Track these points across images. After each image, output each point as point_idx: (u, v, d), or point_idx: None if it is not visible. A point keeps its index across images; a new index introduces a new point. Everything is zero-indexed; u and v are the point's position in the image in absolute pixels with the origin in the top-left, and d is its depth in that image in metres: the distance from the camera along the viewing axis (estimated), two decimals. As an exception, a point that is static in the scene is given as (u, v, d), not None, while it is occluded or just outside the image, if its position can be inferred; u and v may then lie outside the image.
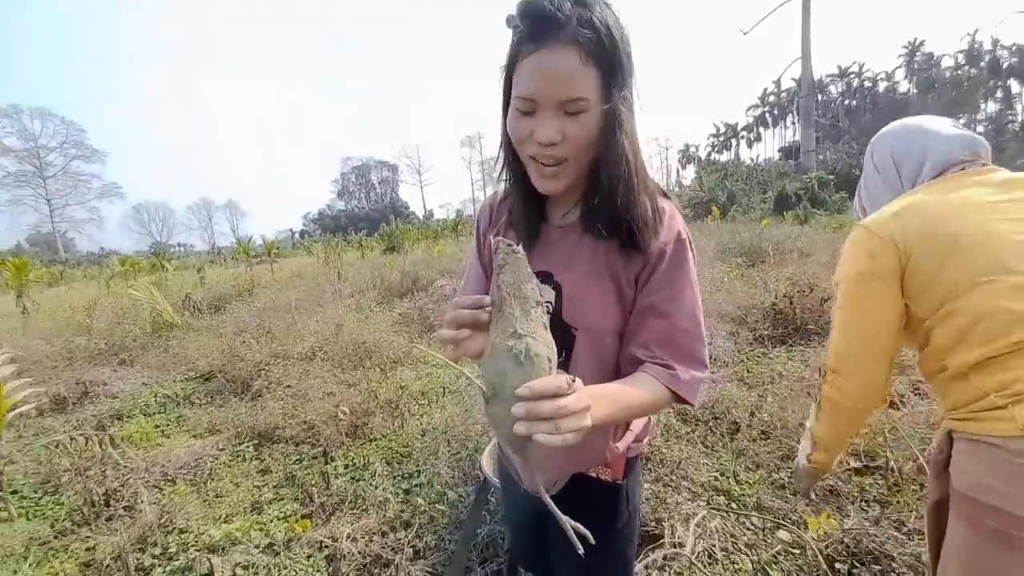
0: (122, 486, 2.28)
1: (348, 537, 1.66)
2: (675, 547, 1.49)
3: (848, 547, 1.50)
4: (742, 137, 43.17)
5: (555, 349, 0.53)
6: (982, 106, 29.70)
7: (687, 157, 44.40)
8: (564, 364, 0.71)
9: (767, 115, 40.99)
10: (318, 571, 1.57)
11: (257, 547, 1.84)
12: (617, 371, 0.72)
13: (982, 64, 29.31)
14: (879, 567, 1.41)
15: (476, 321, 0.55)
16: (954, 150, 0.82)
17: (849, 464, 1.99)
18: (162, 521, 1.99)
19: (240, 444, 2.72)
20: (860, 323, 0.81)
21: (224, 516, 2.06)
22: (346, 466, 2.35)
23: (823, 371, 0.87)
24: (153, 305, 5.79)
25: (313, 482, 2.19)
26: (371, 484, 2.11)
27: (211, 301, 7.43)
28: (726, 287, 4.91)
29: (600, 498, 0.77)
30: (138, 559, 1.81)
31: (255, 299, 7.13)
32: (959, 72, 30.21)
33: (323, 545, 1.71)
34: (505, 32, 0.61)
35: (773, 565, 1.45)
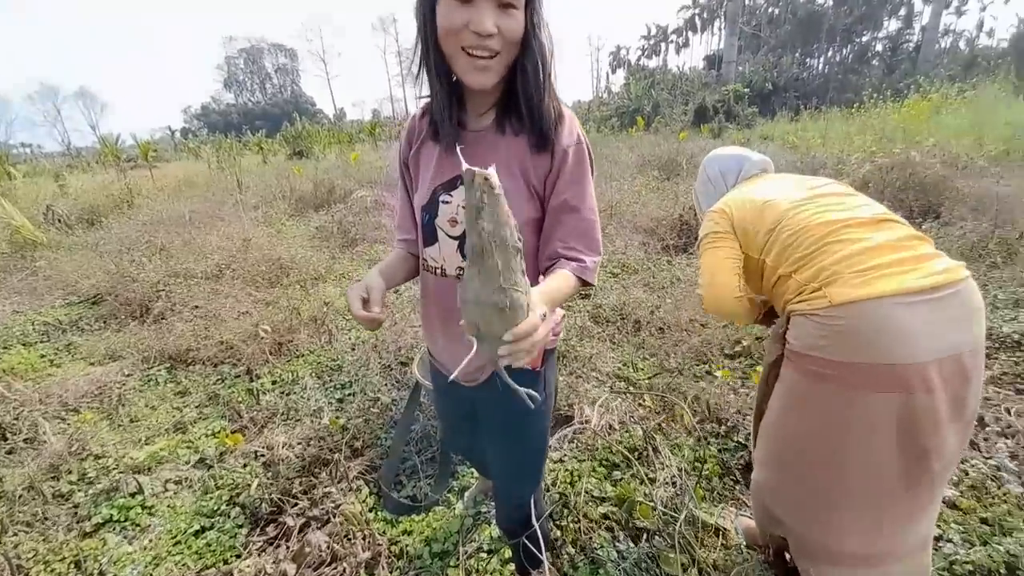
0: (16, 419, 2.11)
1: (284, 445, 1.74)
2: (583, 423, 1.77)
3: (710, 409, 1.89)
4: (671, 41, 42.41)
5: (528, 287, 0.58)
6: (885, 23, 31.46)
7: (617, 60, 42.99)
8: None
9: (696, 18, 40.18)
10: (256, 476, 1.64)
11: (187, 463, 1.86)
12: (533, 260, 0.84)
13: (890, -21, 30.48)
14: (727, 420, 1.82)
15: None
16: (755, 166, 1.32)
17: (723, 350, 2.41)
18: (73, 449, 1.91)
19: (149, 368, 2.58)
20: (713, 259, 1.17)
21: (144, 439, 2.02)
22: (273, 382, 2.36)
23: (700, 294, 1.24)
24: (6, 220, 4.85)
25: (240, 399, 2.19)
26: (302, 397, 2.16)
27: (80, 214, 6.37)
28: (642, 199, 5.19)
29: (523, 384, 0.90)
30: (53, 487, 1.76)
31: (137, 212, 6.22)
32: (869, -14, 31.25)
33: (258, 455, 1.78)
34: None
35: (658, 431, 1.79)
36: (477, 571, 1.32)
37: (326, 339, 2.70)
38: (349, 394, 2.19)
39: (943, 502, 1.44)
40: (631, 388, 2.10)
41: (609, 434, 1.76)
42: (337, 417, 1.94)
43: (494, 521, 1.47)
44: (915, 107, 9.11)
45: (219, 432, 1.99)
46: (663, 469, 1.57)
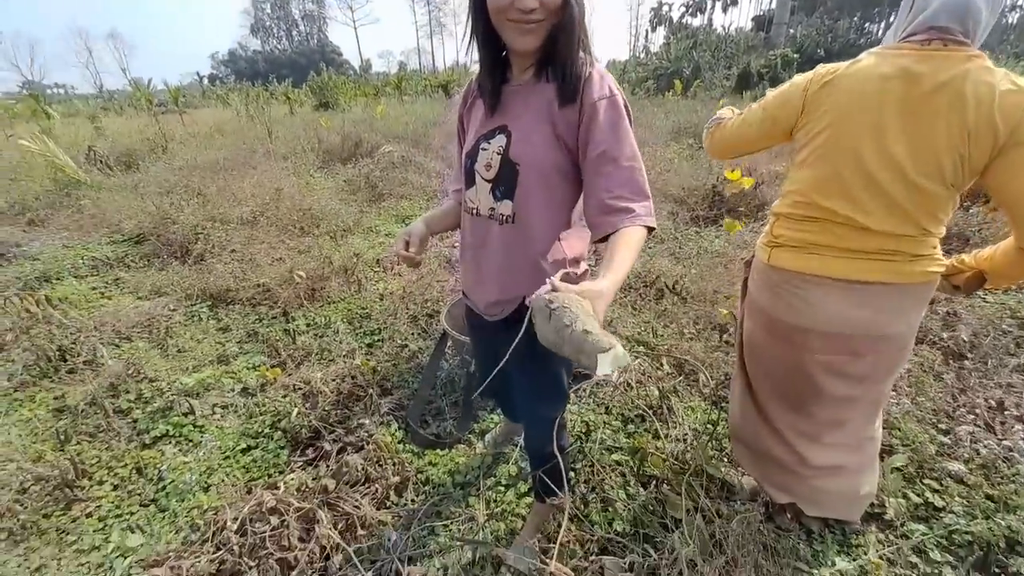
0: (74, 343, 2.30)
1: (320, 380, 1.87)
2: (601, 379, 1.84)
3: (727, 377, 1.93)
4: (717, -1, 39.61)
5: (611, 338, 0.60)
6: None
7: (659, 18, 40.52)
8: (510, 193, 0.89)
9: (746, -27, 37.27)
10: (295, 406, 1.78)
11: (232, 391, 2.02)
12: (560, 203, 0.92)
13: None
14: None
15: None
16: (940, 14, 0.86)
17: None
18: (130, 372, 2.08)
19: (193, 305, 2.74)
20: (740, 135, 1.17)
21: (192, 368, 2.19)
22: (308, 324, 2.50)
23: (721, 122, 1.23)
24: (51, 159, 5.04)
25: (277, 338, 2.33)
26: (335, 340, 2.29)
27: (118, 157, 6.56)
28: (675, 168, 5.06)
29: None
30: (113, 403, 1.94)
31: (171, 157, 6.37)
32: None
33: (296, 387, 1.92)
34: None
35: (673, 392, 1.86)
36: (495, 502, 1.44)
37: (355, 288, 2.81)
38: (378, 340, 2.31)
39: (950, 476, 1.49)
40: (650, 352, 2.16)
41: (626, 391, 1.83)
42: (368, 359, 2.06)
43: (512, 459, 1.58)
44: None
45: (259, 366, 2.15)
46: (676, 428, 1.64)
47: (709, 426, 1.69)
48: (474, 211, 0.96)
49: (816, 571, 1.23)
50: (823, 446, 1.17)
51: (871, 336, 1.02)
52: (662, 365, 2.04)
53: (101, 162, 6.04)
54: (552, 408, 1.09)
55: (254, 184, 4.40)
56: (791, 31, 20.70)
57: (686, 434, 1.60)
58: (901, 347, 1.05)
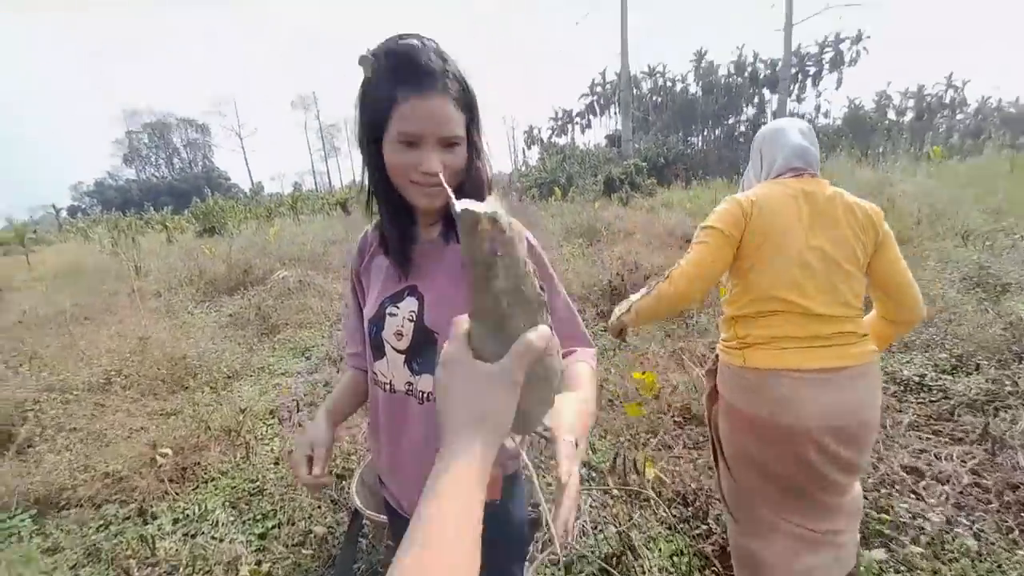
0: None
1: (189, 615, 1.38)
2: (548, 536, 1.61)
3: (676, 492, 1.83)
4: (576, 123, 47.62)
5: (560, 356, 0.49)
6: (745, 109, 38.03)
7: (531, 138, 47.28)
8: (429, 366, 0.78)
9: (595, 104, 45.79)
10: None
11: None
12: None
13: (746, 74, 37.27)
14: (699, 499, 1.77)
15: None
16: (792, 159, 1.19)
17: (674, 419, 2.43)
18: None
19: (11, 518, 2.02)
20: (704, 260, 1.18)
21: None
22: (175, 521, 1.94)
23: (667, 274, 1.23)
24: None
25: (129, 552, 1.75)
26: (213, 537, 1.78)
27: (-77, 316, 5.27)
28: (572, 267, 5.41)
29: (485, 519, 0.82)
30: None
31: (5, 309, 5.30)
32: (730, 80, 37.94)
33: (153, 631, 1.40)
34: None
35: (633, 528, 1.69)
36: None
37: (243, 455, 2.32)
38: (273, 526, 1.84)
39: (902, 563, 1.50)
40: (593, 475, 2.00)
41: (581, 539, 1.62)
42: (259, 563, 1.61)
43: None
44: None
45: (96, 605, 1.56)
46: (644, 575, 1.45)
47: (675, 559, 1.54)
48: (386, 386, 0.82)
49: None
50: (823, 519, 1.18)
51: (862, 418, 1.10)
52: (612, 492, 1.89)
53: None
54: None
55: (112, 335, 3.73)
56: (636, 146, 25.15)
57: (654, 581, 1.42)
58: (879, 420, 1.17)
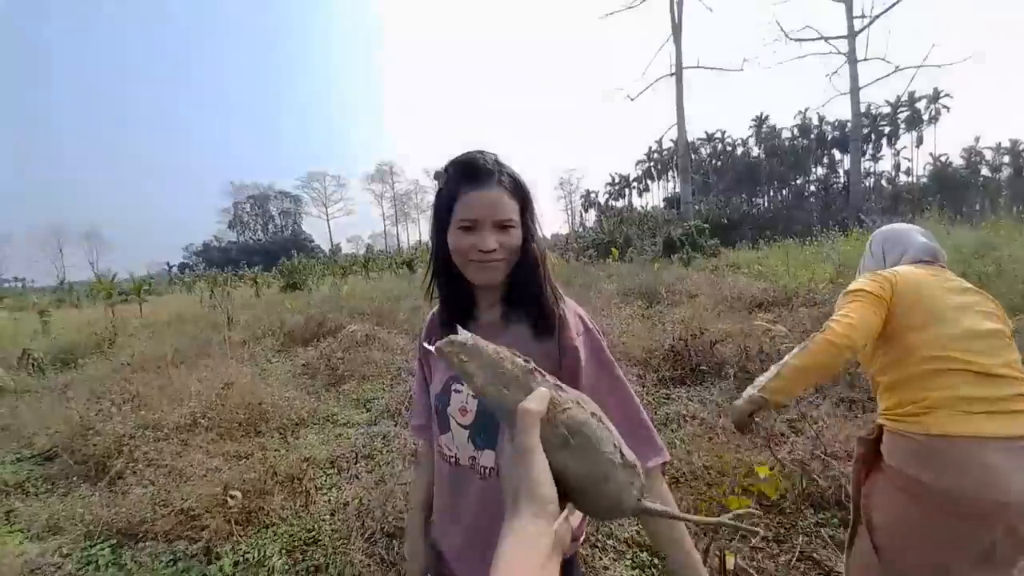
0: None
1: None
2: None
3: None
4: (633, 187, 48.53)
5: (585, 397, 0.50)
6: (813, 170, 36.87)
7: (588, 202, 48.64)
8: (491, 442, 0.81)
9: (652, 169, 46.66)
10: None
11: None
12: None
13: (812, 136, 36.57)
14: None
15: None
16: (920, 254, 1.29)
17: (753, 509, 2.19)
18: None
19: (92, 546, 2.21)
20: (865, 312, 1.15)
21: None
22: (235, 564, 2.01)
23: (825, 325, 1.17)
24: (-29, 366, 4.63)
25: (192, 591, 1.83)
26: (268, 585, 1.82)
27: (57, 354, 6.16)
28: (631, 329, 5.27)
29: None
30: None
31: (118, 351, 6.05)
32: (795, 142, 37.32)
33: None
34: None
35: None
36: None
37: (302, 503, 2.39)
38: (325, 579, 1.86)
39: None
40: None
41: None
42: (309, 616, 1.61)
43: None
44: (863, 237, 10.06)
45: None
46: None
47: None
48: (452, 460, 0.86)
49: None
50: None
51: None
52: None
53: (34, 364, 5.61)
54: None
55: (202, 379, 4.12)
56: (696, 207, 24.87)
57: None
58: None
